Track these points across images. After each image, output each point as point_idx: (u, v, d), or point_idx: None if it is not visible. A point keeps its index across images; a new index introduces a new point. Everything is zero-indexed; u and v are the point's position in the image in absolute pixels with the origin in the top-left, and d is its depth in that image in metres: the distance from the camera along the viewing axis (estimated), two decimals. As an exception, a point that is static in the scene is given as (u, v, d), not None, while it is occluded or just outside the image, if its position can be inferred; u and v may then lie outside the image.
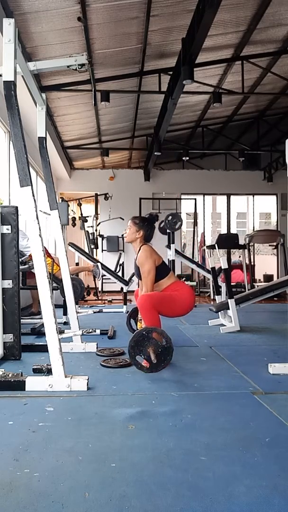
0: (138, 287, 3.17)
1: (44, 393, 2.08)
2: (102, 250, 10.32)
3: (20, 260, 3.27)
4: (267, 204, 13.52)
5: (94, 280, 7.77)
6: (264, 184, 10.99)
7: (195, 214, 11.08)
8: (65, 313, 4.25)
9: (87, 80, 6.05)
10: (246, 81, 6.79)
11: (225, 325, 4.14)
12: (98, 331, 3.80)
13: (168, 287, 2.88)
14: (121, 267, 9.36)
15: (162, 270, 2.90)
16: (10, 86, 2.26)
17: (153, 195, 10.80)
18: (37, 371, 2.34)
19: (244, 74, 6.60)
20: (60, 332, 2.48)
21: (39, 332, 3.70)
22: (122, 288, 6.22)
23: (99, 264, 5.85)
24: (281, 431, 1.65)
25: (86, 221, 8.40)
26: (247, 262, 8.21)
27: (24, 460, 1.40)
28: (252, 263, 8.80)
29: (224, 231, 11.70)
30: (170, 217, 6.16)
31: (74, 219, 8.61)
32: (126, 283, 6.20)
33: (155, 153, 8.31)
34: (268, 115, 9.28)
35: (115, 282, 6.54)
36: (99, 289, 8.76)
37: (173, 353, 2.47)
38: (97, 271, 5.68)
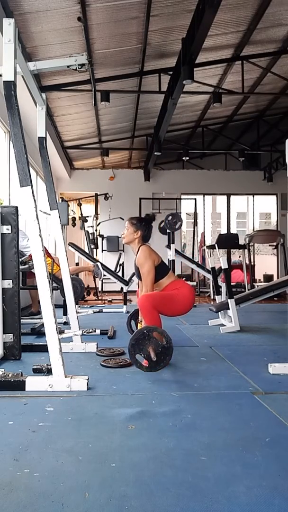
0: (138, 287, 3.17)
1: (44, 393, 2.08)
2: (102, 250, 10.32)
3: (20, 260, 3.27)
4: (267, 204, 13.52)
5: (94, 280, 7.77)
6: (264, 184, 10.99)
7: (195, 214, 11.08)
8: (65, 313, 4.25)
9: (87, 80, 6.06)
10: (246, 81, 6.79)
11: (225, 325, 4.14)
12: (98, 331, 3.80)
13: (168, 286, 2.88)
14: (121, 267, 9.36)
15: (162, 269, 2.90)
16: (10, 86, 2.26)
17: (153, 195, 10.80)
18: (37, 371, 2.34)
19: (244, 74, 6.60)
20: (60, 332, 2.48)
21: (39, 332, 3.70)
22: (122, 288, 6.22)
23: (99, 264, 5.84)
24: (281, 431, 1.65)
25: (86, 221, 8.40)
26: (247, 262, 8.21)
27: (24, 460, 1.40)
28: (252, 263, 8.80)
29: (224, 231, 11.70)
30: (170, 217, 6.16)
31: (74, 219, 8.61)
32: (126, 283, 6.19)
33: (155, 153, 8.31)
34: (268, 115, 9.28)
35: (115, 282, 6.53)
36: (99, 289, 8.76)
37: (173, 353, 2.47)
38: (98, 271, 5.68)
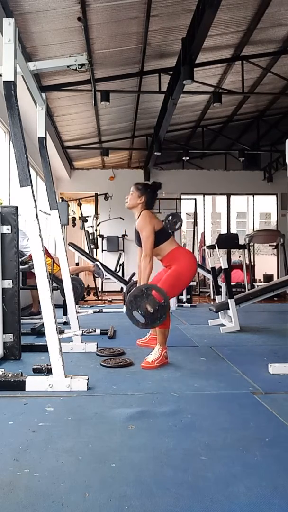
0: (139, 258, 3.12)
1: (44, 393, 2.08)
2: (102, 250, 10.32)
3: (20, 260, 3.27)
4: (267, 204, 13.51)
5: (94, 280, 7.78)
6: (264, 184, 10.98)
7: (195, 214, 11.08)
8: (65, 313, 4.25)
9: (87, 80, 6.05)
10: (246, 81, 6.78)
11: (225, 325, 4.14)
12: (98, 331, 3.80)
13: (169, 253, 2.88)
14: (121, 267, 9.36)
15: (162, 235, 2.90)
16: (10, 86, 2.26)
17: (153, 195, 10.78)
18: (37, 371, 2.34)
19: (244, 74, 6.60)
20: (60, 332, 2.48)
21: (39, 332, 3.70)
22: (122, 288, 6.22)
23: (98, 264, 5.84)
24: (281, 431, 1.65)
25: (86, 221, 8.40)
26: (247, 262, 8.21)
27: (24, 460, 1.40)
28: (252, 263, 8.80)
29: (224, 231, 11.70)
30: (170, 217, 6.16)
31: (74, 219, 8.61)
32: (126, 283, 6.19)
33: (155, 153, 8.31)
34: (268, 115, 9.28)
35: (115, 282, 6.54)
36: (99, 289, 8.76)
37: (173, 353, 2.47)
38: (99, 271, 5.68)
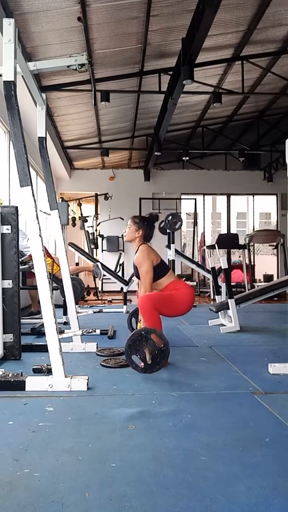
0: (138, 287, 3.17)
1: (44, 393, 2.08)
2: (102, 250, 10.32)
3: (20, 260, 3.27)
4: (267, 204, 13.52)
5: (94, 280, 7.77)
6: (264, 184, 10.99)
7: (195, 214, 11.08)
8: (65, 313, 4.25)
9: (87, 80, 6.05)
10: (246, 81, 6.78)
11: (225, 325, 4.14)
12: (98, 331, 3.80)
13: (168, 286, 2.87)
14: (121, 267, 9.36)
15: (161, 269, 2.89)
16: (10, 86, 2.26)
17: (153, 195, 10.80)
18: (37, 371, 2.34)
19: (244, 74, 6.60)
20: (60, 332, 2.48)
21: (39, 332, 3.70)
22: (122, 288, 6.22)
23: (99, 264, 5.84)
24: (281, 431, 1.65)
25: (86, 221, 8.40)
26: (247, 262, 8.21)
27: (24, 460, 1.40)
28: (252, 263, 8.80)
29: (224, 231, 11.70)
30: (170, 217, 6.16)
31: (74, 219, 8.61)
32: (126, 283, 6.19)
33: (155, 153, 8.31)
34: (268, 115, 9.28)
35: (115, 282, 6.53)
36: (99, 289, 8.76)
37: (173, 353, 2.47)
38: (98, 271, 5.68)
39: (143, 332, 2.44)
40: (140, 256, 2.88)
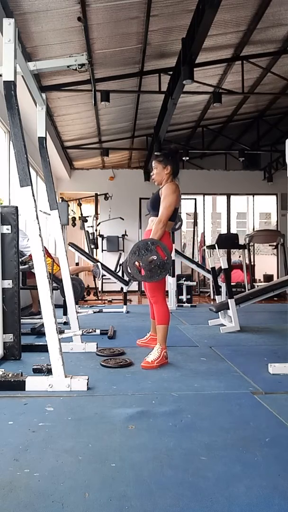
0: (147, 228, 3.11)
1: (44, 393, 2.08)
2: (102, 250, 10.32)
3: (20, 260, 3.27)
4: (267, 204, 13.52)
5: (94, 280, 7.78)
6: (264, 184, 10.98)
7: (195, 214, 11.08)
8: (65, 313, 4.25)
9: (87, 80, 6.05)
10: (246, 81, 6.78)
11: (225, 325, 4.14)
12: (98, 331, 3.80)
13: (166, 233, 2.89)
14: (121, 267, 9.36)
15: (174, 214, 2.92)
16: (10, 86, 2.27)
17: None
18: (37, 371, 2.34)
19: (244, 74, 6.59)
20: (60, 332, 2.48)
21: (39, 332, 3.70)
22: (122, 288, 6.22)
23: (99, 264, 5.85)
24: (281, 431, 1.65)
25: (86, 221, 8.40)
26: (247, 262, 8.21)
27: (24, 460, 1.40)
28: (252, 263, 8.81)
29: (224, 231, 11.70)
30: (170, 217, 6.15)
31: (74, 219, 8.61)
32: (126, 283, 6.19)
33: (155, 153, 8.31)
34: (268, 115, 9.28)
35: (115, 282, 6.53)
36: (99, 289, 8.76)
37: (173, 352, 2.47)
38: (97, 271, 5.68)
39: (149, 242, 2.50)
40: (169, 188, 2.86)
